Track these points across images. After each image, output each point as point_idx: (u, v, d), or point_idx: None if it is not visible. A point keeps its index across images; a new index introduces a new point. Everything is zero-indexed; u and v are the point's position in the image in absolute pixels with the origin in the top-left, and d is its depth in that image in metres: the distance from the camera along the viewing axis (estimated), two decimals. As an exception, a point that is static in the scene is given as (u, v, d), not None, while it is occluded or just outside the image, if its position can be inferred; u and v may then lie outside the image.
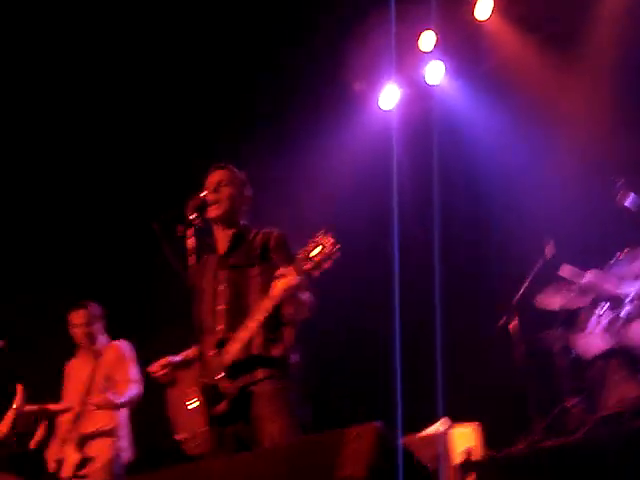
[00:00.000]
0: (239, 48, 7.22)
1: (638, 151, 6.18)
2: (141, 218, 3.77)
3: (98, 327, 5.45)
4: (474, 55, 7.37)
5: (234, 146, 6.90)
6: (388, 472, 1.72)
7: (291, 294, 3.28)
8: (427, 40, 7.27)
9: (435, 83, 7.54)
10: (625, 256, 5.65)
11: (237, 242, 3.75)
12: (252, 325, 3.41)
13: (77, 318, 5.40)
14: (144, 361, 5.44)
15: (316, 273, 3.24)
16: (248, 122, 7.48)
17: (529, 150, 6.82)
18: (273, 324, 3.57)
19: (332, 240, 3.16)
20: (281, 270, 3.27)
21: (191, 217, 3.51)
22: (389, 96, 7.65)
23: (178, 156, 7.19)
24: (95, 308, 5.48)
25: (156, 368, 3.73)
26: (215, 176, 3.81)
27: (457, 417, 6.05)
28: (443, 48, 7.36)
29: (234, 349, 3.46)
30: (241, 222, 3.82)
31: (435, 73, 7.48)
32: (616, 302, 5.65)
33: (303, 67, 7.38)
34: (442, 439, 5.75)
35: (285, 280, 3.24)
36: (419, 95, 7.67)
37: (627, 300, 5.62)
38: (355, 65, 7.44)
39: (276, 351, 3.56)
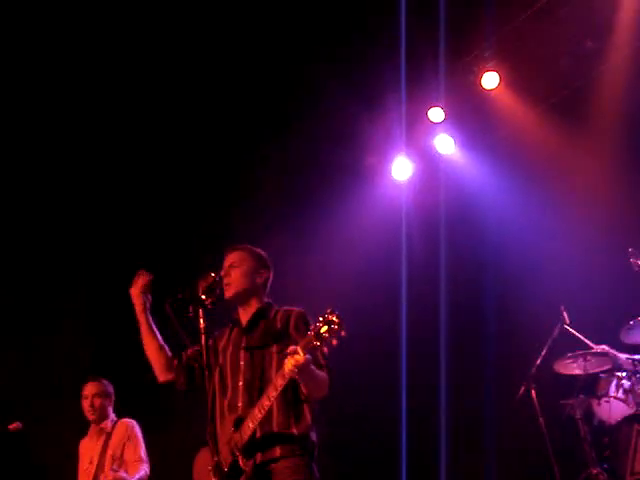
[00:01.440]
0: (251, 118, 7.37)
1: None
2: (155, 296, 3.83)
3: (109, 403, 5.49)
4: (482, 126, 7.49)
5: (247, 221, 7.02)
6: None
7: (302, 372, 3.31)
8: (436, 112, 7.41)
9: (446, 153, 7.65)
10: (638, 323, 5.64)
11: (256, 320, 3.80)
12: (266, 403, 3.43)
13: (91, 389, 5.43)
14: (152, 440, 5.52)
15: (325, 350, 3.28)
16: (260, 196, 7.60)
17: (540, 219, 6.87)
18: (292, 402, 3.59)
19: (339, 318, 3.21)
20: (291, 348, 3.31)
21: (202, 297, 3.57)
22: (401, 168, 7.77)
23: (183, 234, 7.29)
24: (107, 384, 5.53)
25: None
26: (228, 259, 3.88)
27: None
28: (452, 120, 7.50)
29: (249, 428, 3.48)
30: (262, 300, 3.88)
31: (445, 144, 7.61)
32: (635, 367, 5.62)
33: (316, 140, 7.53)
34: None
35: (294, 358, 3.29)
36: (430, 166, 7.78)
37: (646, 364, 5.60)
38: (367, 138, 7.59)
39: (296, 429, 3.58)
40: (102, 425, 5.41)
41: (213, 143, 7.47)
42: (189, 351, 3.84)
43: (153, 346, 3.83)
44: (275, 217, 7.58)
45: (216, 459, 3.47)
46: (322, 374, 3.54)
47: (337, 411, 7.08)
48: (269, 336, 3.70)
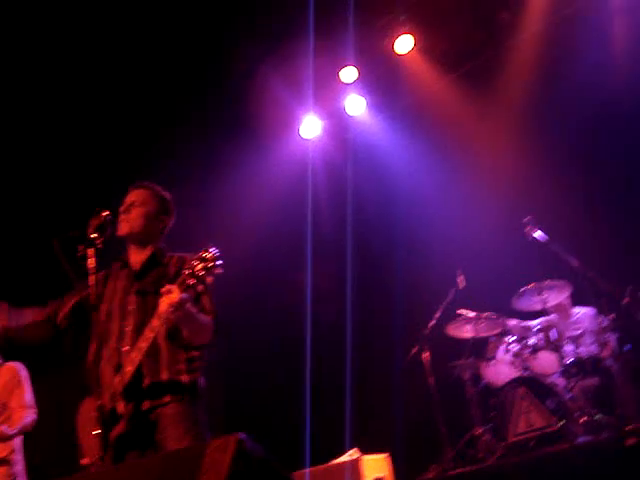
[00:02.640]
0: (162, 71, 7.18)
1: (546, 189, 6.40)
2: (45, 234, 3.67)
3: None
4: (393, 90, 7.51)
5: (151, 169, 6.84)
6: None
7: (178, 311, 3.24)
8: (348, 73, 7.38)
9: (355, 115, 7.64)
10: (531, 289, 5.81)
11: (150, 264, 3.70)
12: (142, 345, 3.36)
13: None
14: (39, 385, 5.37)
15: (200, 288, 3.24)
16: (168, 147, 7.43)
17: (443, 184, 6.98)
18: (180, 347, 3.53)
19: (214, 255, 3.17)
20: (166, 287, 3.25)
21: (92, 236, 3.44)
22: (309, 126, 7.73)
23: (92, 175, 7.08)
24: None
25: None
26: (132, 195, 3.76)
27: (367, 447, 6.08)
28: (364, 82, 7.49)
29: (129, 372, 3.40)
30: (157, 245, 3.77)
31: (356, 105, 7.60)
32: (523, 333, 5.80)
33: (228, 94, 7.40)
34: (351, 468, 5.75)
35: (168, 297, 3.23)
36: (339, 126, 7.76)
37: (534, 331, 5.78)
38: (277, 95, 7.50)
39: (183, 375, 3.51)
40: None
41: (135, 98, 7.25)
42: (61, 312, 3.72)
43: None
44: (184, 168, 7.44)
45: (99, 403, 3.38)
46: (205, 318, 3.47)
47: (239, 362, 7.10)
48: (161, 282, 3.59)
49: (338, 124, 7.77)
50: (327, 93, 7.57)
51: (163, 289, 3.25)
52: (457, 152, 7.02)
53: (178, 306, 3.22)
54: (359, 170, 7.18)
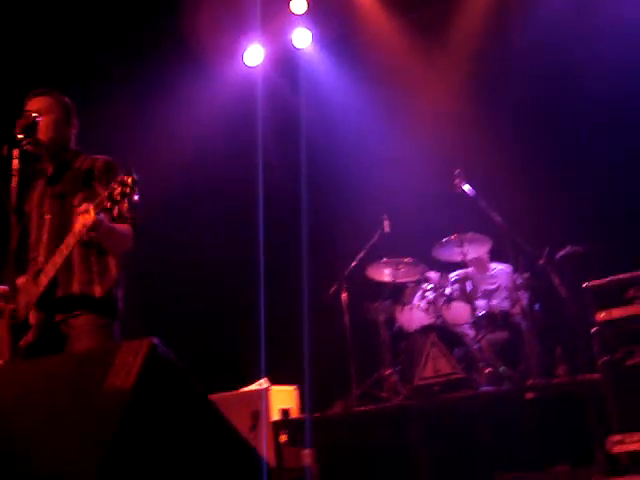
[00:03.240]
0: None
1: (482, 144, 6.49)
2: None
3: None
4: (342, 27, 7.44)
5: (85, 88, 6.64)
6: (158, 385, 1.72)
7: (94, 231, 3.21)
8: (298, 4, 7.26)
9: (302, 47, 7.55)
10: (452, 240, 5.93)
11: (63, 168, 3.60)
12: (57, 260, 3.32)
13: None
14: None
15: (115, 212, 3.20)
16: (104, 66, 7.20)
17: (381, 126, 6.99)
18: (95, 256, 3.49)
19: (133, 182, 3.13)
20: (83, 206, 3.21)
21: (19, 137, 3.34)
22: (254, 54, 7.61)
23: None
24: None
25: None
26: (33, 104, 3.59)
27: (277, 379, 6.19)
28: (313, 15, 7.38)
29: (43, 282, 3.36)
30: (71, 148, 3.69)
31: (303, 38, 7.50)
32: (440, 282, 5.94)
33: (167, 17, 7.19)
34: (261, 397, 5.85)
35: (84, 216, 3.19)
36: (284, 57, 7.67)
37: (450, 281, 5.92)
38: (222, 22, 7.33)
39: (99, 286, 3.47)
40: None
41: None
42: None
43: None
44: (122, 95, 7.24)
45: (12, 307, 3.33)
46: (123, 227, 3.44)
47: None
48: (74, 183, 3.52)
49: (283, 55, 7.67)
50: (274, 23, 7.44)
51: (80, 208, 3.21)
52: (399, 97, 7.03)
53: (93, 228, 3.19)
54: (305, 103, 7.11)
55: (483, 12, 6.87)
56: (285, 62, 7.64)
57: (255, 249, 6.29)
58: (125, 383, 1.62)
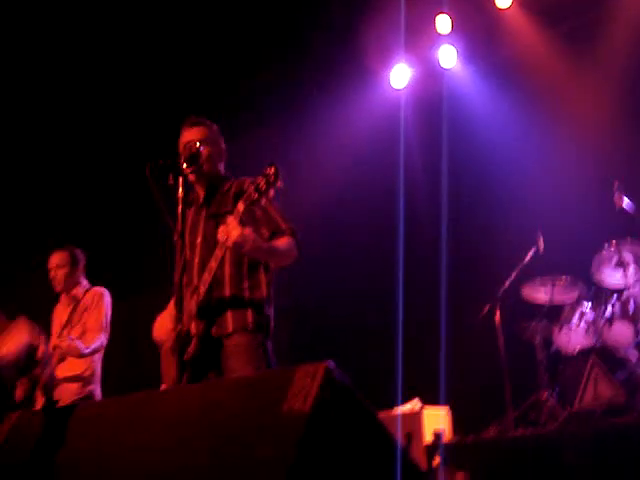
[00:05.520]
0: (253, 17, 7.15)
1: (635, 156, 6.20)
2: (129, 163, 3.75)
3: (79, 271, 5.46)
4: (490, 43, 7.33)
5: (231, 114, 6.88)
6: (335, 410, 1.74)
7: (241, 244, 3.28)
8: (443, 23, 7.23)
9: (448, 66, 7.51)
10: (612, 259, 5.68)
11: (213, 192, 3.73)
12: (206, 278, 3.45)
13: (58, 260, 5.40)
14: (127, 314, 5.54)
15: (264, 201, 3.30)
16: (258, 93, 7.44)
17: (535, 142, 6.82)
18: (247, 271, 3.58)
19: (275, 170, 3.22)
20: (227, 218, 3.32)
21: (185, 167, 3.50)
22: (400, 75, 7.63)
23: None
24: (77, 252, 5.49)
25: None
26: (194, 132, 3.74)
27: (431, 400, 6.12)
28: (459, 32, 7.33)
29: (200, 295, 3.48)
30: (221, 173, 3.81)
31: (448, 56, 7.46)
32: (600, 302, 5.69)
33: (317, 41, 7.35)
34: (414, 418, 5.81)
35: (225, 227, 3.29)
36: (430, 76, 7.64)
37: (611, 301, 5.67)
38: (369, 42, 7.41)
39: (250, 301, 3.55)
40: (73, 293, 5.41)
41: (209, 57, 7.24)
42: None
43: None
44: (270, 118, 7.45)
45: (179, 327, 3.46)
46: (281, 241, 3.50)
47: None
48: (224, 206, 3.62)
49: (430, 75, 7.64)
50: (420, 42, 7.44)
51: (225, 220, 3.31)
52: (551, 113, 6.84)
53: (241, 244, 3.27)
54: (451, 122, 7.05)
55: (638, 20, 6.58)
56: (432, 82, 7.60)
57: (395, 270, 6.27)
58: (303, 407, 1.64)
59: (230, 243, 3.29)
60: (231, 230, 3.28)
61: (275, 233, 3.53)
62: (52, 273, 5.40)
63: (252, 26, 7.16)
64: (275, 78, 7.53)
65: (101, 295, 5.39)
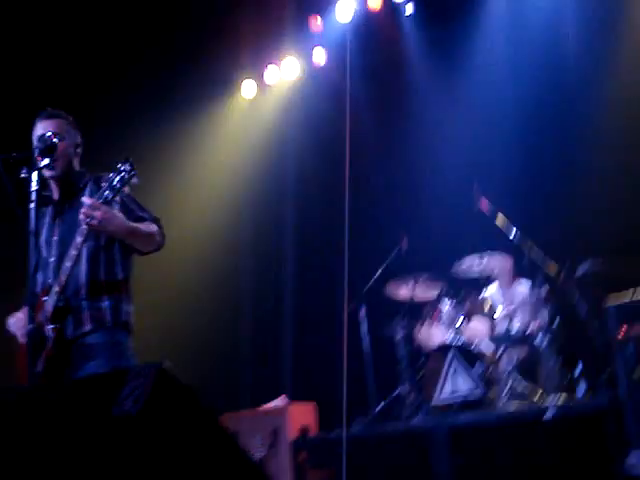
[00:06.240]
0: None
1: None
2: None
3: None
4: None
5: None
6: (168, 410, 1.73)
7: (103, 224, 3.22)
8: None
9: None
10: (472, 257, 5.90)
11: (69, 189, 3.61)
12: (67, 264, 3.35)
13: None
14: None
15: (118, 199, 3.28)
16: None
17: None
18: (104, 271, 3.51)
19: (131, 166, 3.18)
20: (87, 200, 3.25)
21: (41, 162, 3.37)
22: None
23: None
24: None
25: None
26: (48, 125, 3.57)
27: (296, 396, 6.18)
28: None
29: (55, 293, 3.38)
30: (76, 169, 3.67)
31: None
32: (459, 299, 5.91)
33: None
34: (280, 414, 5.85)
35: (86, 209, 3.22)
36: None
37: (470, 297, 5.89)
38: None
39: (107, 297, 3.47)
40: None
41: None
42: None
43: None
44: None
45: (30, 326, 3.35)
46: (144, 224, 3.45)
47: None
48: (79, 204, 3.44)
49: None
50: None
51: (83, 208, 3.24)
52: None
53: (106, 221, 3.22)
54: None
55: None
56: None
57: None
58: (133, 408, 1.63)
59: (95, 222, 3.21)
60: (95, 209, 3.20)
61: (138, 221, 3.46)
62: None
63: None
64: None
65: None
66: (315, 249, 7.31)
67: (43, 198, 3.58)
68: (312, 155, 7.40)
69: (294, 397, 6.24)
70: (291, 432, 5.73)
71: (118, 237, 3.44)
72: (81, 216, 3.24)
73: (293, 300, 7.52)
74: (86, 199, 3.26)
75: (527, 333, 5.60)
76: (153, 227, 3.48)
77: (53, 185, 3.65)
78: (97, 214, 3.21)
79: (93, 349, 3.41)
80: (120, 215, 3.34)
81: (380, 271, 6.13)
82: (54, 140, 3.45)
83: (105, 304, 3.48)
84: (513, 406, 5.18)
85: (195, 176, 7.57)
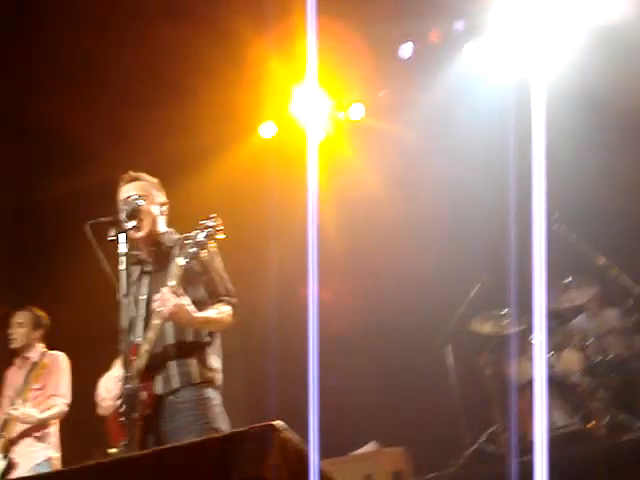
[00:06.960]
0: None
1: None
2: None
3: (37, 334, 5.38)
4: None
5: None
6: (287, 471, 1.70)
7: (171, 317, 3.28)
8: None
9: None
10: (556, 288, 5.77)
11: (155, 248, 3.64)
12: (151, 336, 3.38)
13: (21, 318, 5.34)
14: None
15: (202, 255, 3.31)
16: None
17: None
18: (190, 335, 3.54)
19: (216, 221, 3.24)
20: (162, 290, 3.29)
21: (127, 224, 3.44)
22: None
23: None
24: (39, 315, 5.42)
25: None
26: (133, 188, 3.64)
27: (387, 441, 6.09)
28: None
29: (145, 350, 3.41)
30: (162, 229, 3.70)
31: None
32: (548, 331, 5.77)
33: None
34: (371, 461, 5.78)
35: (160, 299, 3.28)
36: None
37: (559, 329, 5.76)
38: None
39: (195, 356, 3.49)
40: (29, 354, 5.32)
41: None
42: None
43: None
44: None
45: (127, 387, 3.38)
46: (217, 308, 3.46)
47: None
48: (165, 263, 3.52)
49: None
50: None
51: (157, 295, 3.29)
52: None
53: (175, 316, 3.28)
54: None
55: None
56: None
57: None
58: (255, 472, 1.60)
59: (165, 315, 3.28)
60: (165, 301, 3.26)
61: (212, 296, 3.49)
62: (14, 329, 5.34)
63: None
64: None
65: (59, 359, 5.32)
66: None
67: (131, 257, 3.64)
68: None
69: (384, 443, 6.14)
70: (384, 479, 5.64)
71: (188, 327, 3.48)
72: (154, 305, 3.31)
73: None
74: (163, 290, 3.30)
75: (621, 361, 5.44)
76: (225, 310, 3.49)
77: (141, 245, 3.70)
78: (165, 311, 3.27)
79: (182, 405, 3.42)
80: (189, 310, 3.35)
81: (463, 307, 6.04)
82: (139, 202, 3.51)
83: (193, 362, 3.50)
84: (614, 437, 5.01)
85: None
